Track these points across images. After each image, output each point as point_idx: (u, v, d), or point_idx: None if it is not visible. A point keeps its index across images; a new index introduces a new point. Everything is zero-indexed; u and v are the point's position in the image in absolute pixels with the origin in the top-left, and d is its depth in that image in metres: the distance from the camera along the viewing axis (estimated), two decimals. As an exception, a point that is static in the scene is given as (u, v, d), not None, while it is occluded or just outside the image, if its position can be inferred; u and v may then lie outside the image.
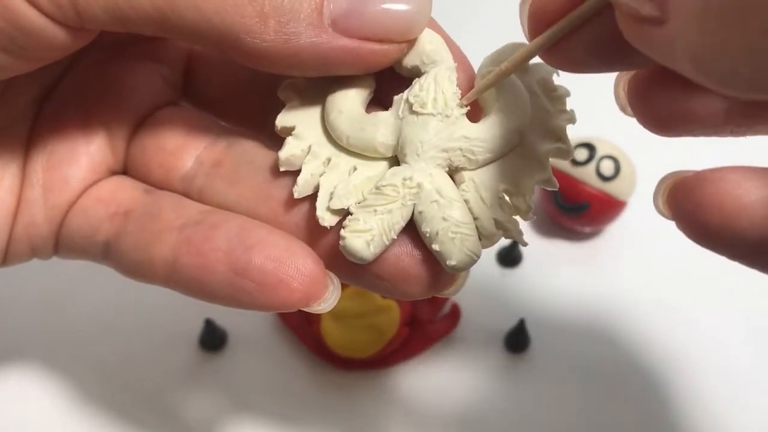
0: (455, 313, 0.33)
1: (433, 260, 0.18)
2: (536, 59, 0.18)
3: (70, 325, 0.33)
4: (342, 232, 0.18)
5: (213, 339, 0.32)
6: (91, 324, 0.33)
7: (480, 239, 0.18)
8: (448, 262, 0.18)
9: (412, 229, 0.18)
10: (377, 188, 0.18)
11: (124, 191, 0.21)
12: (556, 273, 0.34)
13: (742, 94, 0.13)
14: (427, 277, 0.19)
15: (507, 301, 0.33)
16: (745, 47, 0.12)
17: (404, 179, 0.18)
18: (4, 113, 0.21)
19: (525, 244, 0.18)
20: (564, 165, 0.33)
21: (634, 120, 0.40)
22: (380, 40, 0.18)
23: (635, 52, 0.15)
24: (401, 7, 0.18)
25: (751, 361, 0.32)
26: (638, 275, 0.34)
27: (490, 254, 0.34)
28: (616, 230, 0.36)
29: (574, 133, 0.35)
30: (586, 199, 0.33)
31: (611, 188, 0.33)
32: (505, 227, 0.18)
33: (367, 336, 0.31)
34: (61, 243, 0.22)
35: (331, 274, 0.19)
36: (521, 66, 0.18)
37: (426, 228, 0.18)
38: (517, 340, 0.32)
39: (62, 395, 0.31)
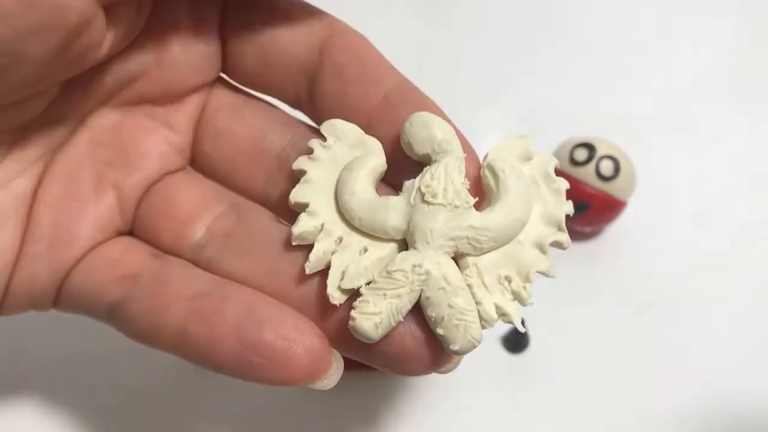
0: (455, 313, 0.33)
1: (434, 342, 0.19)
2: (540, 151, 0.20)
3: (69, 325, 0.33)
4: (352, 313, 0.19)
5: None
6: (90, 323, 0.33)
7: (480, 322, 0.19)
8: (451, 347, 0.19)
9: (416, 311, 0.19)
10: (387, 272, 0.19)
11: (132, 254, 0.22)
12: (556, 273, 0.34)
13: None
14: (428, 358, 0.19)
15: (507, 301, 0.33)
16: None
17: (414, 266, 0.19)
18: (11, 167, 0.21)
19: (523, 330, 0.20)
20: (564, 165, 0.33)
21: (634, 120, 0.40)
22: None
23: None
24: None
25: (751, 360, 0.32)
26: (638, 275, 0.34)
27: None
28: (616, 230, 0.36)
29: (574, 133, 0.35)
30: (586, 199, 0.33)
31: (611, 188, 0.33)
32: (504, 312, 0.19)
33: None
34: (62, 299, 0.22)
35: (335, 352, 0.20)
36: None
37: (432, 313, 0.19)
38: (516, 340, 0.32)
39: (60, 395, 0.31)
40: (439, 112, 0.20)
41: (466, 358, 0.32)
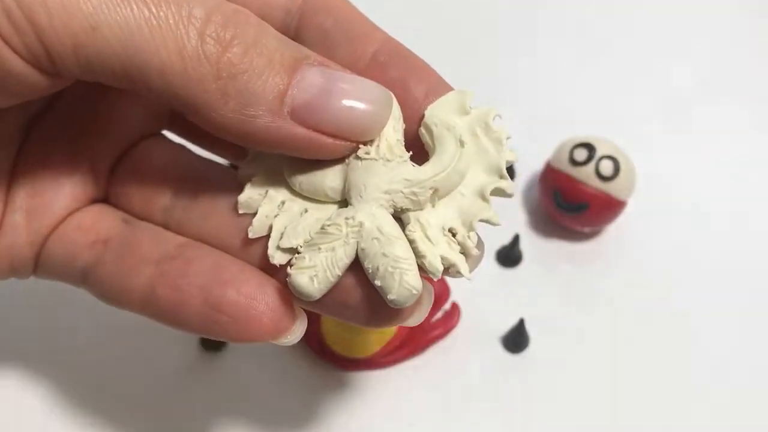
0: (455, 313, 0.33)
1: (378, 296, 0.19)
2: (479, 104, 0.20)
3: (69, 324, 0.33)
4: (288, 269, 0.19)
5: (213, 339, 0.32)
6: (90, 323, 0.33)
7: (426, 273, 0.19)
8: (389, 296, 0.19)
9: (362, 270, 0.19)
10: (322, 228, 0.19)
11: (104, 221, 0.22)
12: (556, 272, 0.34)
13: None
14: (370, 310, 0.20)
15: (506, 301, 0.33)
16: None
17: (347, 218, 0.19)
18: None
19: (469, 279, 0.19)
20: (564, 165, 0.33)
21: (634, 120, 0.40)
22: (334, 136, 0.19)
23: None
24: (360, 106, 0.19)
25: (749, 360, 0.32)
26: (638, 275, 0.34)
27: (489, 254, 0.34)
28: (616, 230, 0.36)
29: (574, 133, 0.35)
30: (586, 199, 0.33)
31: (611, 188, 0.33)
32: (451, 263, 0.19)
33: (367, 336, 0.31)
34: (40, 265, 0.23)
35: (300, 309, 0.21)
36: None
37: (368, 264, 0.19)
38: (516, 340, 0.32)
39: (60, 395, 0.31)
40: (426, 67, 0.20)
41: (466, 357, 0.32)
